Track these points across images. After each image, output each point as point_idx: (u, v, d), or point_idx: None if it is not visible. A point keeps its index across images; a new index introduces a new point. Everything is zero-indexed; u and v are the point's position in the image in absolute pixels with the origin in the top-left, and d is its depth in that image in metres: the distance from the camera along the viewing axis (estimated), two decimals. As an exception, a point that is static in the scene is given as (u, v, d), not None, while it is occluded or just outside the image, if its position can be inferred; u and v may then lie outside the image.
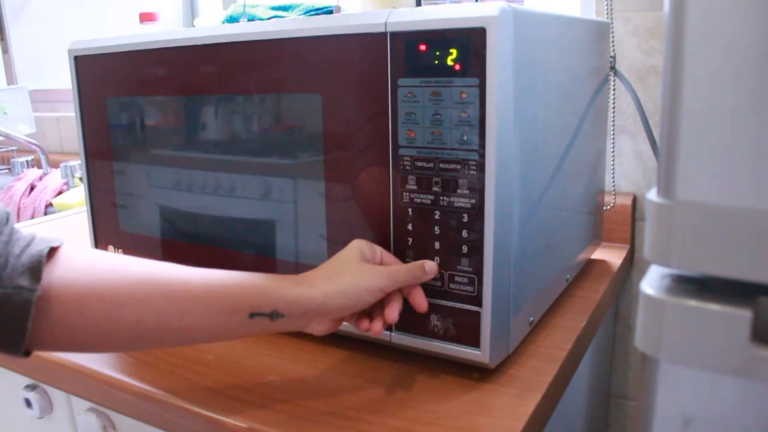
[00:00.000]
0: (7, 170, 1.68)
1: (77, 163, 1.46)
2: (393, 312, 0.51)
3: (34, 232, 0.46)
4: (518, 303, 0.56)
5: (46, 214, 1.40)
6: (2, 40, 1.83)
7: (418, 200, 0.53)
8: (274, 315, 0.48)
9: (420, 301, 0.53)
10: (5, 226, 0.44)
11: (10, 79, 1.86)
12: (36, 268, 0.43)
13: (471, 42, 0.48)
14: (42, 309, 0.43)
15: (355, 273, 0.50)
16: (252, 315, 0.48)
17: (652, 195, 0.31)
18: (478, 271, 0.51)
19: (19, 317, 0.42)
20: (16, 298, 0.42)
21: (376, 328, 0.52)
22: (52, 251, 0.45)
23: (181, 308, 0.47)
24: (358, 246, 0.53)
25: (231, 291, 0.48)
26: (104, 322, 0.45)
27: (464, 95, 0.49)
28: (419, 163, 0.52)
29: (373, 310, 0.53)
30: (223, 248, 0.66)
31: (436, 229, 0.52)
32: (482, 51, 0.48)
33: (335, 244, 0.57)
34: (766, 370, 0.28)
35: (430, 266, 0.52)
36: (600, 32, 0.75)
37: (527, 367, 0.56)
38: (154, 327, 0.46)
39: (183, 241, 0.69)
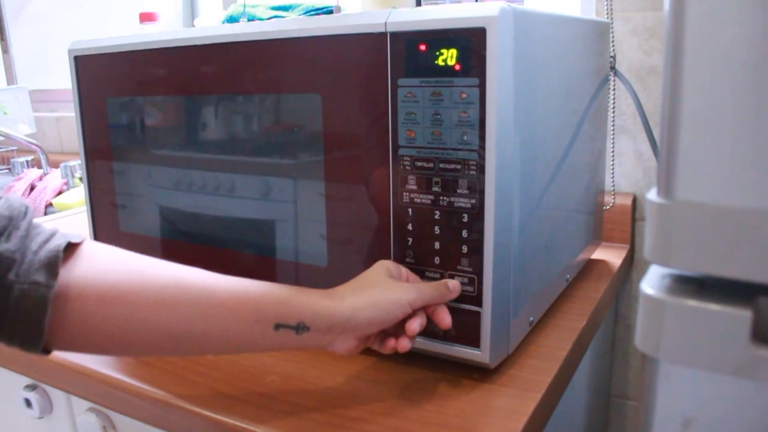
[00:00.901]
0: (7, 170, 1.68)
1: (77, 163, 1.46)
2: (414, 324, 0.50)
3: (57, 227, 0.45)
4: (518, 303, 0.56)
5: (46, 214, 1.40)
6: (2, 40, 1.83)
7: (418, 200, 0.53)
8: (300, 327, 0.47)
9: (445, 317, 0.52)
10: (23, 221, 0.43)
11: (10, 79, 1.86)
12: (53, 263, 0.42)
13: (471, 42, 0.48)
14: (60, 307, 0.42)
15: (382, 287, 0.50)
16: (277, 326, 0.46)
17: (652, 195, 0.31)
18: (478, 271, 0.51)
19: (37, 314, 0.40)
20: (33, 295, 0.40)
21: (403, 345, 0.50)
22: (73, 247, 0.44)
23: (206, 314, 0.45)
24: (384, 264, 0.52)
25: (258, 300, 0.47)
26: (126, 325, 0.44)
27: (464, 95, 0.49)
28: (419, 163, 0.52)
29: (397, 330, 0.52)
30: (224, 248, 0.66)
31: (436, 229, 0.52)
32: (482, 51, 0.48)
33: (335, 243, 0.57)
34: (766, 370, 0.28)
35: (454, 285, 0.52)
36: (600, 32, 0.75)
37: (527, 367, 0.56)
38: (177, 332, 0.45)
39: (183, 241, 0.69)
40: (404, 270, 0.53)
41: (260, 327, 0.46)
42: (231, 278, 0.48)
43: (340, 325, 0.48)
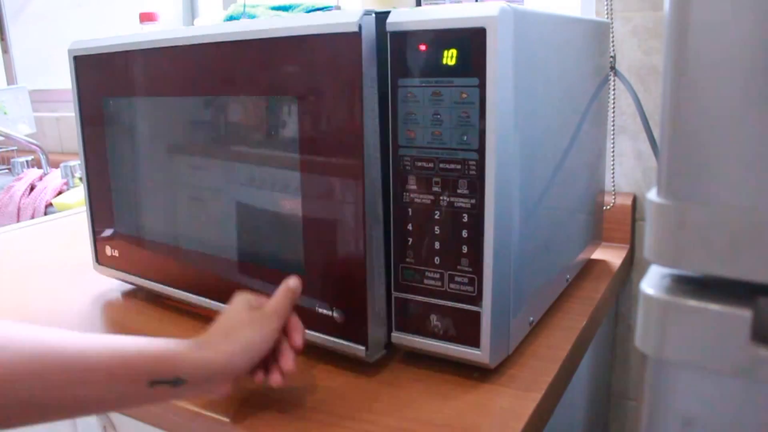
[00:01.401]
0: (7, 170, 1.68)
1: (77, 163, 1.46)
2: (288, 362, 0.51)
3: None
4: (518, 303, 0.56)
5: (46, 214, 1.40)
6: (2, 40, 1.83)
7: (418, 200, 0.53)
8: (176, 381, 0.46)
9: (297, 340, 0.52)
10: None
11: (10, 79, 1.86)
12: None
13: (471, 42, 0.48)
14: None
15: (252, 325, 0.50)
16: (152, 383, 0.46)
17: (652, 195, 0.31)
18: (478, 271, 0.51)
19: None
20: None
21: (275, 380, 0.51)
22: None
23: (79, 379, 0.44)
24: (244, 299, 0.52)
25: (131, 359, 0.46)
26: None
27: (464, 95, 0.49)
28: (419, 163, 0.52)
29: (266, 360, 0.52)
30: (220, 250, 0.65)
31: (436, 229, 0.52)
32: (482, 51, 0.48)
33: (312, 250, 0.57)
34: (766, 370, 0.28)
35: (294, 283, 0.53)
36: (600, 32, 0.75)
37: (527, 367, 0.56)
38: (50, 401, 0.43)
39: (181, 243, 0.69)
40: (260, 298, 0.53)
41: (135, 386, 0.45)
42: (104, 338, 0.47)
43: (219, 374, 0.48)
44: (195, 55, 0.63)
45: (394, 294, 0.56)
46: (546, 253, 0.63)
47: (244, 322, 0.50)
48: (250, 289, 0.62)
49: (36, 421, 0.45)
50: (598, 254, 0.86)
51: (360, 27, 0.50)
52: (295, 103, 0.55)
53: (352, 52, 0.51)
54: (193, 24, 0.86)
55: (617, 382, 0.97)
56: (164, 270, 0.71)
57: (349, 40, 0.51)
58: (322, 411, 0.51)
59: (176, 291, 0.70)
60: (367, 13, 0.51)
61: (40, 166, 1.56)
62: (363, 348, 0.55)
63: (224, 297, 0.65)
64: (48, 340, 0.44)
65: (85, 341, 0.46)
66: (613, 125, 0.88)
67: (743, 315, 0.29)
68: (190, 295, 0.69)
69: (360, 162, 0.52)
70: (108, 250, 0.78)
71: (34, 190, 1.46)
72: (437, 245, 0.53)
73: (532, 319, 0.61)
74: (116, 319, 0.71)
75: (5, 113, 1.61)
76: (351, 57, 0.51)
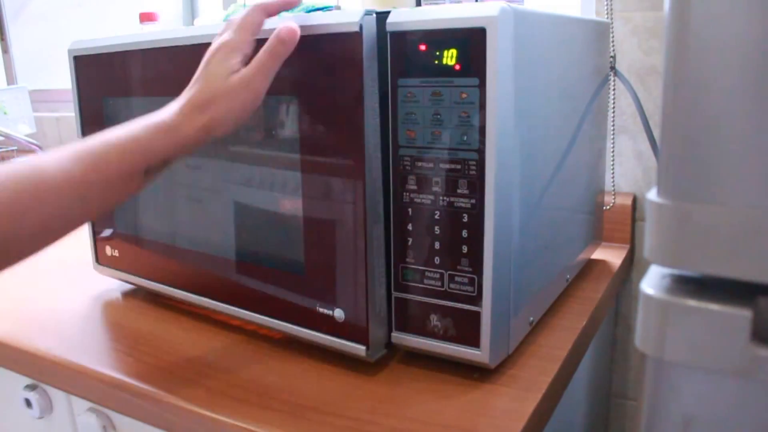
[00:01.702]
0: (7, 170, 1.68)
1: (77, 163, 1.46)
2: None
3: None
4: (518, 303, 0.56)
5: (46, 214, 1.40)
6: (2, 40, 1.83)
7: (418, 200, 0.53)
8: (164, 165, 0.49)
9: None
10: None
11: (10, 79, 1.86)
12: None
13: (471, 42, 0.48)
14: None
15: (225, 97, 0.49)
16: (146, 173, 0.48)
17: (652, 195, 0.31)
18: (478, 271, 0.51)
19: None
20: None
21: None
22: None
23: (76, 195, 0.45)
24: (223, 59, 0.50)
25: (123, 160, 0.47)
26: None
27: (464, 95, 0.49)
28: (419, 163, 0.52)
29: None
30: (220, 250, 0.65)
31: (436, 229, 0.52)
32: (482, 51, 0.48)
33: (312, 252, 0.57)
34: (766, 370, 0.28)
35: (284, 31, 0.50)
36: (600, 32, 0.75)
37: (527, 367, 0.56)
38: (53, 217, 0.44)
39: (180, 242, 0.69)
40: (244, 50, 0.51)
41: (131, 182, 0.47)
42: (85, 149, 0.47)
43: (200, 146, 0.49)
44: (195, 55, 0.63)
45: (394, 294, 0.56)
46: (546, 253, 0.63)
47: (222, 92, 0.49)
48: (248, 289, 0.62)
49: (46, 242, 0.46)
50: (598, 254, 0.86)
51: (361, 27, 0.50)
52: (296, 102, 0.55)
53: (353, 51, 0.51)
54: (193, 24, 0.86)
55: (617, 382, 0.97)
56: (164, 270, 0.71)
57: (350, 39, 0.51)
58: (322, 411, 0.51)
59: (176, 291, 0.70)
60: (368, 13, 0.51)
61: (40, 166, 1.56)
62: (364, 348, 0.55)
63: (224, 296, 0.66)
64: (39, 164, 0.44)
65: (59, 157, 0.45)
66: (613, 125, 0.88)
67: (743, 315, 0.29)
68: (190, 294, 0.69)
69: (360, 162, 0.52)
70: (108, 250, 0.78)
71: (34, 190, 1.46)
72: (437, 245, 0.53)
73: (532, 319, 0.61)
74: (116, 319, 0.71)
75: (5, 113, 1.61)
76: (352, 57, 0.51)
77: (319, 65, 0.53)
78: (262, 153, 0.60)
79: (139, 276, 0.75)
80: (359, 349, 0.55)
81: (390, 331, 0.57)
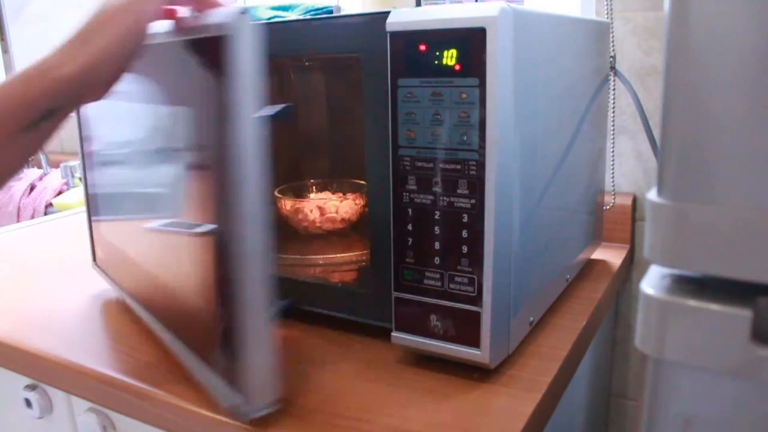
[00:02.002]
0: (7, 170, 1.68)
1: (77, 163, 1.46)
2: None
3: None
4: (518, 303, 0.56)
5: (46, 214, 1.40)
6: (2, 40, 1.83)
7: (418, 200, 0.53)
8: (49, 113, 0.42)
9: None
10: None
11: (10, 79, 1.86)
12: None
13: (471, 42, 0.48)
14: None
15: (109, 24, 0.42)
16: (29, 127, 0.41)
17: (652, 195, 0.31)
18: (478, 271, 0.51)
19: None
20: None
21: None
22: None
23: None
24: None
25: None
26: None
27: (464, 95, 0.49)
28: (419, 163, 0.52)
29: None
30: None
31: (436, 229, 0.52)
32: (482, 51, 0.48)
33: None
34: (766, 370, 0.28)
35: None
36: (600, 32, 0.75)
37: (527, 367, 0.56)
38: None
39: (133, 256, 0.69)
40: None
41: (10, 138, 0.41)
42: None
43: (84, 88, 0.42)
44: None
45: (394, 294, 0.56)
46: (546, 253, 0.62)
47: (107, 18, 0.42)
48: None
49: None
50: (598, 254, 0.86)
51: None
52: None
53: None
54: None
55: (617, 382, 0.97)
56: (128, 281, 0.70)
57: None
58: (322, 411, 0.51)
59: (134, 303, 0.69)
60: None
61: (40, 166, 1.56)
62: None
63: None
64: None
65: None
66: (613, 125, 0.88)
67: (743, 315, 0.29)
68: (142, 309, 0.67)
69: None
70: (99, 251, 0.78)
71: (34, 190, 1.46)
72: (437, 245, 0.53)
73: (532, 319, 0.61)
74: (116, 319, 0.71)
75: (5, 113, 1.61)
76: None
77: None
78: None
79: (115, 283, 0.74)
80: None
81: (390, 330, 0.57)
